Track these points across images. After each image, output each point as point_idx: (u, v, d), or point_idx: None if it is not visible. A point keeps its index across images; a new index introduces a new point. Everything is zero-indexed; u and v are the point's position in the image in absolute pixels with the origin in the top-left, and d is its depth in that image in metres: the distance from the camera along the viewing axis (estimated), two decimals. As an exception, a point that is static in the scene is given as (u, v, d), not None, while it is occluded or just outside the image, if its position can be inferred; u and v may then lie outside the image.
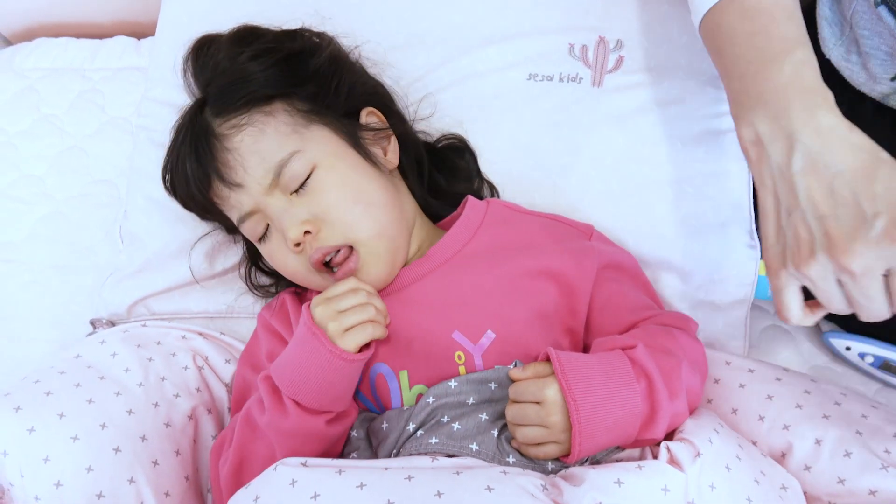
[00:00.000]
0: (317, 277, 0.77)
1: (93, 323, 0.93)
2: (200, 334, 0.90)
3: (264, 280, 0.91)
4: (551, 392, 0.64)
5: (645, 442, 0.67)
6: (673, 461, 0.62)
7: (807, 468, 0.68)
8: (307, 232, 0.73)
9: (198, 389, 0.83)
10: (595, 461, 0.68)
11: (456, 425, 0.67)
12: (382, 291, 0.77)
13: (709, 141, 0.91)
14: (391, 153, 0.84)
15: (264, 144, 0.75)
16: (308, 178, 0.75)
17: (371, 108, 0.84)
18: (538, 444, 0.65)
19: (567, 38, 0.95)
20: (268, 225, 0.77)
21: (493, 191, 0.92)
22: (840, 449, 0.67)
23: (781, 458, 0.70)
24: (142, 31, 1.20)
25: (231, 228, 0.86)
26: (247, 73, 0.78)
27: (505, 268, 0.77)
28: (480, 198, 0.88)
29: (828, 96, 0.63)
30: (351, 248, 0.75)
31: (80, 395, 0.71)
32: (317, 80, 0.81)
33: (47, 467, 0.64)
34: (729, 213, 0.89)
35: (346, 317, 0.68)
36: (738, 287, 0.89)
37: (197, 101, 0.82)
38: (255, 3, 0.97)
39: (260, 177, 0.74)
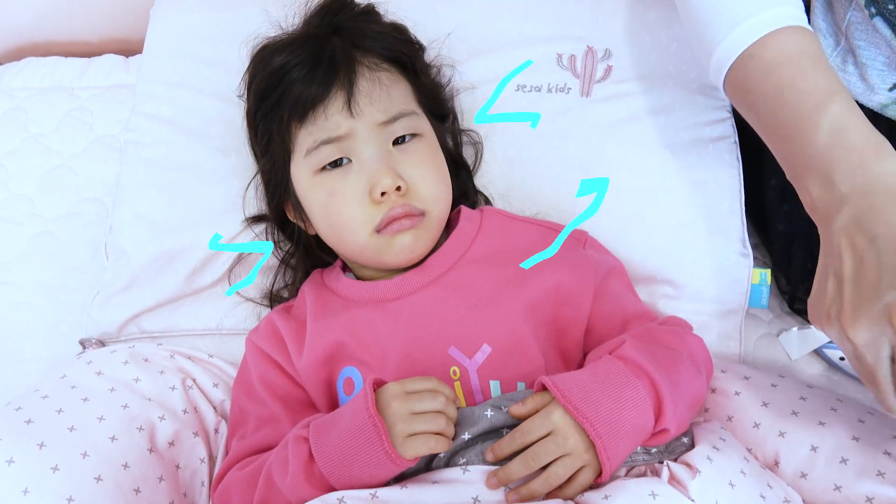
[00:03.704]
0: (360, 236, 0.77)
1: (82, 343, 0.92)
2: (189, 358, 0.89)
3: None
4: (558, 417, 0.63)
5: (660, 437, 0.66)
6: (674, 480, 0.61)
7: (803, 475, 0.68)
8: (397, 188, 0.75)
9: (184, 411, 0.82)
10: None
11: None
12: (382, 300, 0.77)
13: (699, 149, 0.90)
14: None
15: (396, 91, 0.81)
16: (409, 141, 0.79)
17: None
18: (568, 479, 0.62)
19: (555, 49, 0.94)
20: (343, 160, 0.77)
21: (488, 203, 0.92)
22: (836, 455, 0.66)
23: (775, 465, 0.70)
24: (130, 49, 1.19)
25: (270, 170, 0.85)
26: (391, 34, 0.86)
27: (502, 279, 0.77)
28: (474, 208, 0.88)
29: (881, 147, 0.60)
30: (423, 214, 0.78)
31: (61, 421, 0.70)
32: (426, 75, 0.89)
33: (26, 499, 0.63)
34: (721, 221, 0.89)
35: (416, 422, 0.62)
36: (731, 296, 0.88)
37: (326, 26, 0.83)
38: (244, 18, 0.97)
39: (379, 111, 0.78)
